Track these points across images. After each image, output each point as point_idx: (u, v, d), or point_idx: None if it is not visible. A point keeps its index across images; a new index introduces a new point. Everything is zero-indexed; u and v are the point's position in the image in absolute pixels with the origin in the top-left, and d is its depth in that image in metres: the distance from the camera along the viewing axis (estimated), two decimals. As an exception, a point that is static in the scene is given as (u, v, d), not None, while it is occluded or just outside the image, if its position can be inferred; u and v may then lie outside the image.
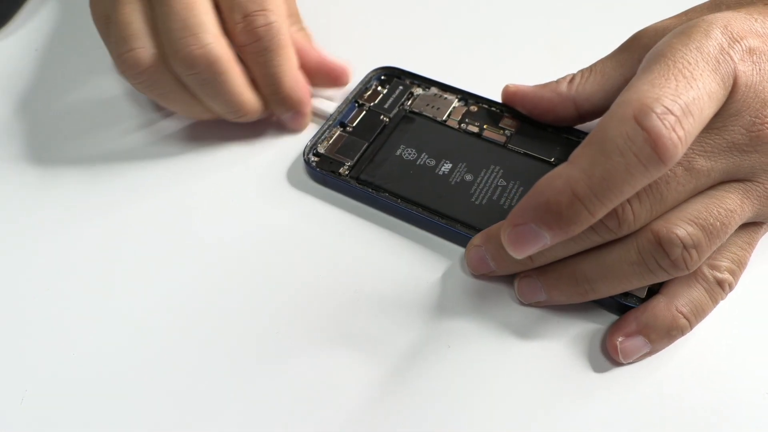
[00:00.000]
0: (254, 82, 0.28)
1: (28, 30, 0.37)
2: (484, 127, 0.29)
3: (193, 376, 0.22)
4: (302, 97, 0.29)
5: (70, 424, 0.22)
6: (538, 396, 0.22)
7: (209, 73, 0.26)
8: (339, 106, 0.30)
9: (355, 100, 0.30)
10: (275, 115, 0.30)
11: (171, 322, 0.24)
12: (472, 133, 0.29)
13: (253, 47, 0.27)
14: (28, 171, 0.29)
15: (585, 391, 0.22)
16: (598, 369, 0.22)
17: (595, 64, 0.26)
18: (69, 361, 0.23)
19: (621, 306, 0.23)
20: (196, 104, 0.28)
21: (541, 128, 0.29)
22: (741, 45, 0.20)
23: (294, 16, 0.31)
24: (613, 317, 0.23)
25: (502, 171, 0.27)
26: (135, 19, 0.26)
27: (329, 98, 0.31)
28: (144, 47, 0.26)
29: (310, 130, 0.30)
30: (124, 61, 0.26)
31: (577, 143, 0.28)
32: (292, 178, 0.28)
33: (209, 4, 0.26)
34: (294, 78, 0.28)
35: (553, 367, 0.22)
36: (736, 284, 0.22)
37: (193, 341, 0.23)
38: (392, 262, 0.25)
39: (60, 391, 0.22)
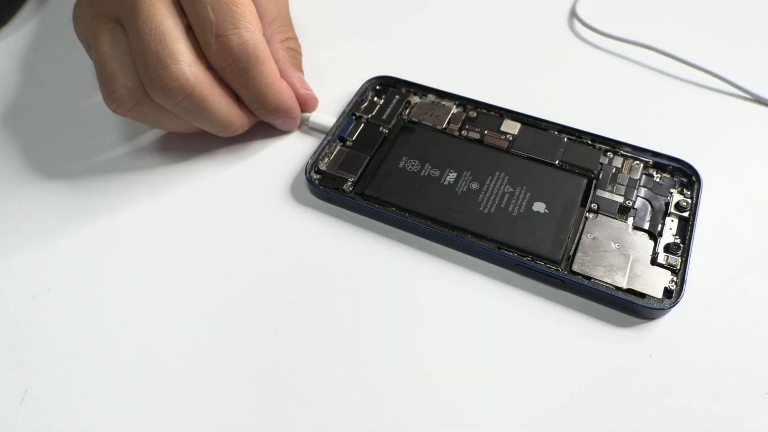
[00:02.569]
0: (239, 98, 0.28)
1: (28, 30, 0.37)
2: (485, 132, 0.29)
3: (190, 378, 0.22)
4: (290, 105, 0.29)
5: (70, 424, 0.22)
6: (536, 399, 0.22)
7: (188, 102, 0.26)
8: (337, 120, 0.29)
9: (353, 113, 0.30)
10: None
11: (171, 327, 0.24)
12: (474, 140, 0.28)
13: (231, 69, 0.26)
14: (28, 170, 0.30)
15: (583, 391, 0.22)
16: (597, 370, 0.22)
17: None
18: (69, 361, 0.23)
19: (626, 302, 0.23)
20: (189, 125, 0.28)
21: (542, 129, 0.29)
22: None
23: (281, 24, 0.30)
24: (616, 313, 0.23)
25: (507, 177, 0.27)
26: (111, 56, 0.26)
27: (326, 111, 0.31)
28: (125, 86, 0.25)
29: (310, 145, 0.30)
30: (110, 102, 0.26)
31: (579, 143, 0.28)
32: (296, 194, 0.28)
33: (181, 31, 0.26)
34: (278, 90, 0.28)
35: (552, 365, 0.22)
36: None
37: (191, 348, 0.23)
38: (404, 275, 0.25)
39: (60, 391, 0.22)
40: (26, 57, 0.35)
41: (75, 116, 0.32)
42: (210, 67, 0.27)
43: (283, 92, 0.28)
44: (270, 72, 0.27)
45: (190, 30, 0.26)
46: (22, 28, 0.37)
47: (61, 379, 0.23)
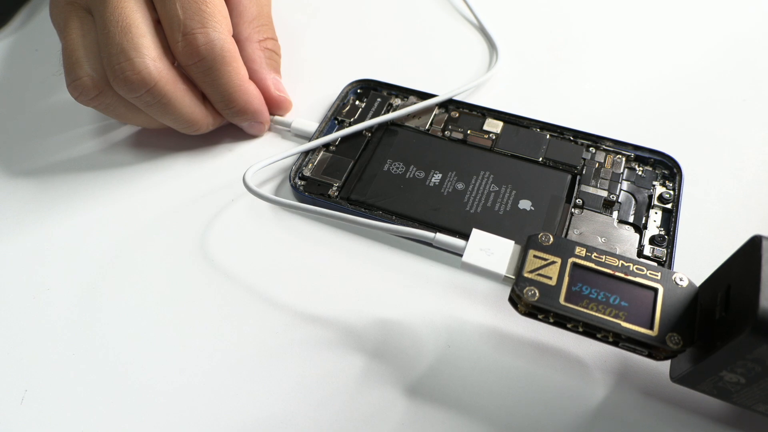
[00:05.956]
0: (207, 98, 0.28)
1: (28, 30, 0.38)
2: (468, 132, 0.29)
3: (190, 378, 0.22)
4: (256, 108, 0.29)
5: (70, 424, 0.22)
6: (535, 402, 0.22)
7: (150, 96, 0.25)
8: (319, 126, 0.29)
9: (335, 118, 0.30)
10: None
11: (170, 326, 0.24)
12: (457, 140, 0.29)
13: (196, 67, 0.26)
14: (28, 170, 0.30)
15: (582, 397, 0.22)
16: (596, 377, 0.22)
17: None
18: (69, 361, 0.23)
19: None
20: (153, 120, 0.28)
21: (524, 127, 0.29)
22: None
23: (261, 24, 0.30)
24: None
25: (492, 176, 0.27)
26: (79, 44, 0.26)
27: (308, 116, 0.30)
28: (88, 75, 0.25)
29: (289, 146, 0.29)
30: (73, 90, 0.26)
31: (562, 139, 0.28)
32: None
33: (148, 25, 0.26)
34: (245, 92, 0.28)
35: (553, 367, 0.22)
36: None
37: (191, 348, 0.23)
38: (392, 276, 0.25)
39: (60, 391, 0.22)
40: (26, 57, 0.35)
41: (77, 115, 0.32)
42: (177, 64, 0.26)
43: (250, 94, 0.28)
44: (237, 73, 0.27)
45: (159, 25, 0.26)
46: (22, 28, 0.37)
47: (61, 379, 0.23)
